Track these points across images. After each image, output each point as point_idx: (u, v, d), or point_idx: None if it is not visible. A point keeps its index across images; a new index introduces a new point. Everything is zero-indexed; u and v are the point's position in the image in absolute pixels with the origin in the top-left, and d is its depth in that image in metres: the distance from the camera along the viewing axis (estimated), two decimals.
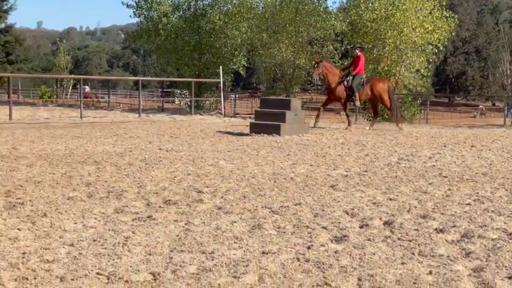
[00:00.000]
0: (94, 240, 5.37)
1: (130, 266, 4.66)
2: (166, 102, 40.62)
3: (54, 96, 48.92)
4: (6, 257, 4.81)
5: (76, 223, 6.00)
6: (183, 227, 5.97)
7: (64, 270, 4.51)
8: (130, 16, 50.86)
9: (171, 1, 37.13)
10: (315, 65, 20.93)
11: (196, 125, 20.79)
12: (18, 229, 5.70)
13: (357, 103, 20.88)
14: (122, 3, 38.11)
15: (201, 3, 37.04)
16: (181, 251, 5.12)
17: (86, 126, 19.53)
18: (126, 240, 5.37)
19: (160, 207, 6.86)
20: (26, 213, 6.38)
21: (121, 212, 6.58)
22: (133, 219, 6.23)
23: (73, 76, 57.10)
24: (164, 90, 46.80)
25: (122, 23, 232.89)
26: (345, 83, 20.22)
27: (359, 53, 20.84)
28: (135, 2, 37.73)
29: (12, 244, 5.19)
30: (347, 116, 21.31)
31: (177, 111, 31.55)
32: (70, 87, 65.33)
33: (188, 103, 35.89)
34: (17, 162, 10.29)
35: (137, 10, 37.94)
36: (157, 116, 27.10)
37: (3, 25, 73.51)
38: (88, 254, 4.96)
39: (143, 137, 15.64)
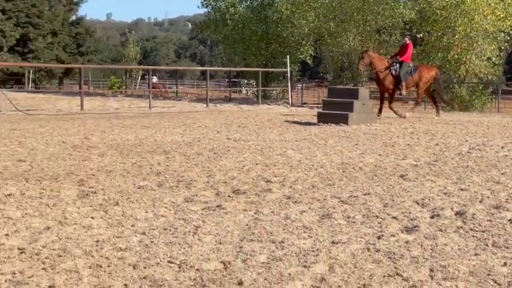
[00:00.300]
0: (165, 229, 5.43)
1: (201, 255, 4.69)
2: (233, 92, 40.80)
3: (124, 87, 49.64)
4: (80, 244, 4.90)
5: (147, 212, 6.08)
6: (252, 216, 5.99)
7: (137, 258, 4.58)
8: (198, 7, 51.22)
9: None
10: (361, 56, 20.42)
11: (264, 115, 20.83)
12: (91, 217, 5.80)
13: (404, 92, 20.35)
14: None
15: None
16: (251, 240, 5.14)
17: (155, 116, 19.77)
18: (196, 229, 5.42)
19: (229, 196, 6.90)
20: (98, 202, 6.50)
21: (190, 201, 6.64)
22: (202, 209, 6.28)
23: (142, 67, 57.95)
24: (231, 80, 47.02)
25: (189, 14, 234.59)
26: (393, 71, 19.83)
27: (408, 41, 20.46)
28: None
29: (86, 232, 5.29)
30: (392, 109, 20.43)
31: (244, 101, 31.67)
32: (139, 78, 66.22)
33: (255, 93, 35.97)
34: (89, 152, 10.48)
35: (205, 0, 38.24)
36: (224, 105, 27.26)
37: (74, 17, 75.19)
38: (160, 242, 5.02)
39: (211, 126, 15.75)
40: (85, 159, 9.54)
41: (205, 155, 10.27)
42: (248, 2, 37.76)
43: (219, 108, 25.12)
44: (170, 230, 5.40)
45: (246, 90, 49.32)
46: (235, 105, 27.46)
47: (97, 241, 5.01)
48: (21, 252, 4.66)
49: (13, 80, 62.16)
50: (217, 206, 6.34)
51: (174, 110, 23.56)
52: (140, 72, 64.64)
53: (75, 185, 7.37)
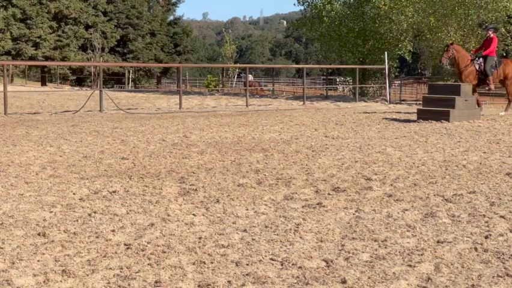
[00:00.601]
0: (266, 227, 5.43)
1: (303, 253, 4.66)
2: (328, 89, 40.65)
3: (220, 85, 50.18)
4: (183, 241, 4.95)
5: (247, 209, 6.10)
6: (353, 214, 5.92)
7: (239, 256, 4.59)
8: (294, 4, 51.37)
9: None
10: (445, 48, 19.52)
11: (361, 112, 20.63)
12: (193, 214, 5.87)
13: (492, 87, 19.47)
14: None
15: None
16: (353, 238, 5.07)
17: (252, 114, 19.86)
18: (297, 227, 5.39)
19: (329, 194, 6.85)
20: (199, 199, 6.56)
21: (290, 198, 6.62)
22: (302, 206, 6.25)
23: (238, 65, 58.48)
24: (328, 77, 46.87)
25: (284, 12, 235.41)
26: (477, 66, 19.01)
27: (492, 35, 19.56)
28: None
29: (188, 229, 5.35)
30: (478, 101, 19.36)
31: (341, 98, 31.46)
32: (235, 76, 66.80)
33: (352, 90, 35.72)
34: (189, 149, 10.61)
35: None
36: (321, 103, 27.14)
37: (171, 17, 76.72)
38: (261, 239, 5.02)
39: (309, 124, 15.70)
40: (185, 157, 9.67)
41: (303, 152, 10.24)
42: None
43: (316, 106, 25.02)
44: (271, 228, 5.40)
45: (343, 87, 49.08)
46: (332, 103, 27.31)
47: (200, 238, 5.05)
48: (127, 248, 4.76)
49: (113, 79, 63.94)
50: (318, 204, 6.30)
51: (271, 107, 23.61)
52: (237, 70, 65.23)
53: (176, 183, 7.47)
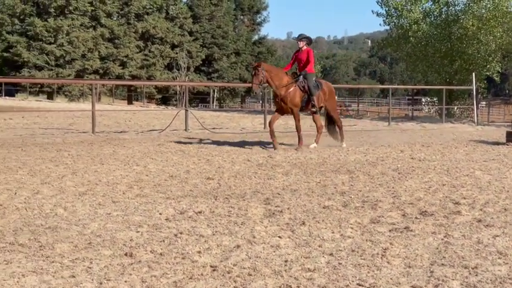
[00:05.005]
0: (353, 251, 5.36)
1: (391, 279, 4.58)
2: (414, 110, 40.16)
3: None
4: (269, 264, 4.93)
5: (333, 232, 6.04)
6: (442, 239, 5.79)
7: (326, 280, 4.54)
8: (380, 24, 51.07)
9: (422, 8, 36.66)
10: (253, 73, 14.94)
11: (448, 134, 20.28)
12: (279, 237, 5.84)
13: (317, 108, 15.39)
14: (372, 11, 38.42)
15: (453, 9, 36.23)
16: (442, 264, 4.96)
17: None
18: (385, 252, 5.31)
19: (416, 218, 6.73)
20: (285, 221, 6.54)
21: (377, 222, 6.53)
22: (389, 230, 6.16)
23: None
24: (413, 98, 46.34)
25: (368, 31, 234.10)
26: (300, 85, 14.96)
27: (305, 47, 15.42)
28: (385, 10, 37.79)
29: (274, 252, 5.33)
30: (299, 131, 15.34)
31: (427, 119, 31.03)
32: None
33: (438, 111, 35.19)
34: (273, 170, 10.61)
35: (387, 18, 37.98)
36: (406, 124, 26.82)
37: (256, 37, 77.45)
38: (348, 264, 4.96)
39: (394, 145, 15.50)
40: (269, 178, 9.67)
41: (389, 174, 10.11)
42: (432, 19, 37.06)
43: (401, 127, 24.73)
44: (357, 252, 5.33)
45: (428, 108, 48.42)
46: (418, 124, 26.95)
47: (286, 261, 5.02)
48: (213, 270, 4.77)
49: (198, 98, 64.79)
50: (405, 228, 6.19)
51: (356, 128, 23.43)
52: None
53: (261, 204, 7.48)
